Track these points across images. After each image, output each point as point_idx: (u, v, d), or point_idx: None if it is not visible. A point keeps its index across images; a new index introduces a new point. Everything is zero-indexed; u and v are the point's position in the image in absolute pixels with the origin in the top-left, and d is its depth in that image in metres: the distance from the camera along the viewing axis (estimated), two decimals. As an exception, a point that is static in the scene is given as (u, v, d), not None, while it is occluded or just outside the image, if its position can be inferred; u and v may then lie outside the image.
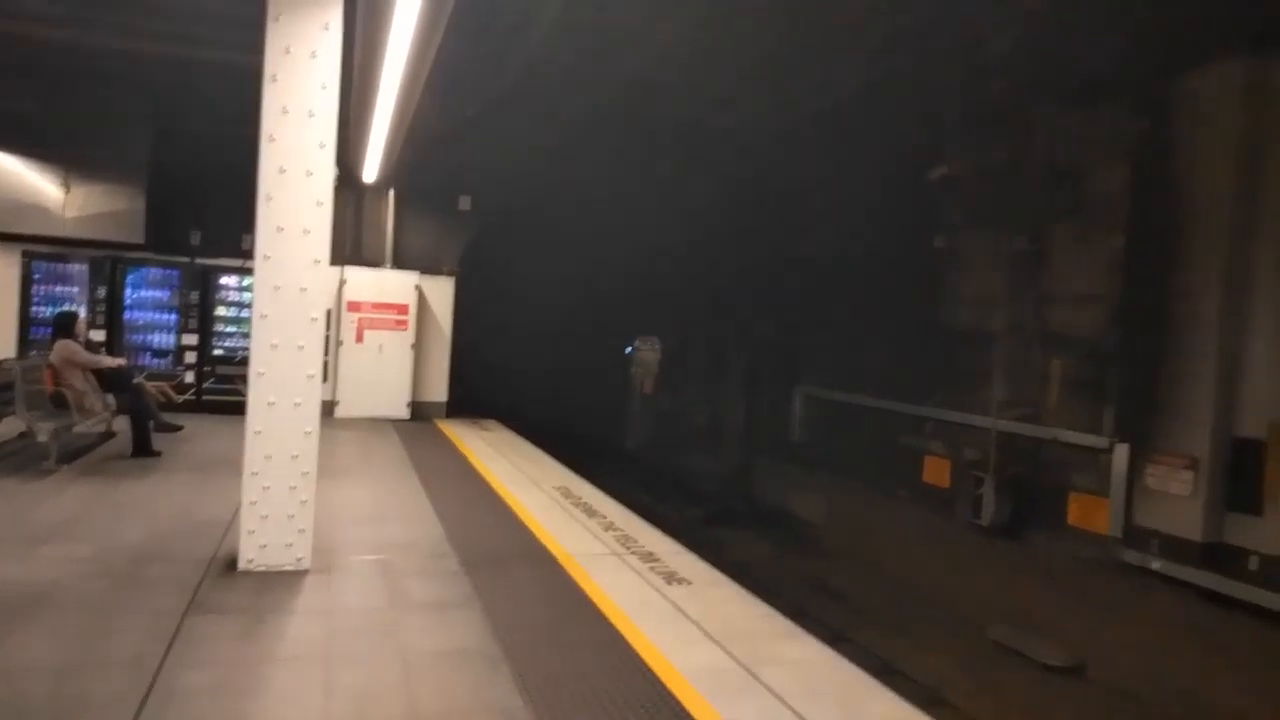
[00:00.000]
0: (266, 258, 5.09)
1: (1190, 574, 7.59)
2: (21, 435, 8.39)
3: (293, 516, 5.19)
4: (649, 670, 4.04)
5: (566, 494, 8.01)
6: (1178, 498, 7.81)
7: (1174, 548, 7.81)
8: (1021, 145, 9.92)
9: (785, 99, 11.47)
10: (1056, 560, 8.90)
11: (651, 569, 5.66)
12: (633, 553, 6.04)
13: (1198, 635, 7.41)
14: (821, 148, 12.80)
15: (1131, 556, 8.08)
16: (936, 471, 10.78)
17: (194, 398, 11.92)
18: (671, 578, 5.49)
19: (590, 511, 7.31)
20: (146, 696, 3.52)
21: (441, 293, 13.32)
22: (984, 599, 9.11)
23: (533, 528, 6.64)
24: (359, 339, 12.60)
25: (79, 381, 8.41)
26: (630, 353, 20.20)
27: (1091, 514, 8.59)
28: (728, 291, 16.25)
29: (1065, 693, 7.76)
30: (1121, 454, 8.29)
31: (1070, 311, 9.30)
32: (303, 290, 5.14)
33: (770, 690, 3.88)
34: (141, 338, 11.95)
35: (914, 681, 7.83)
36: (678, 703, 3.72)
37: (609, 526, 6.80)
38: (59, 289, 11.63)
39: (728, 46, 9.86)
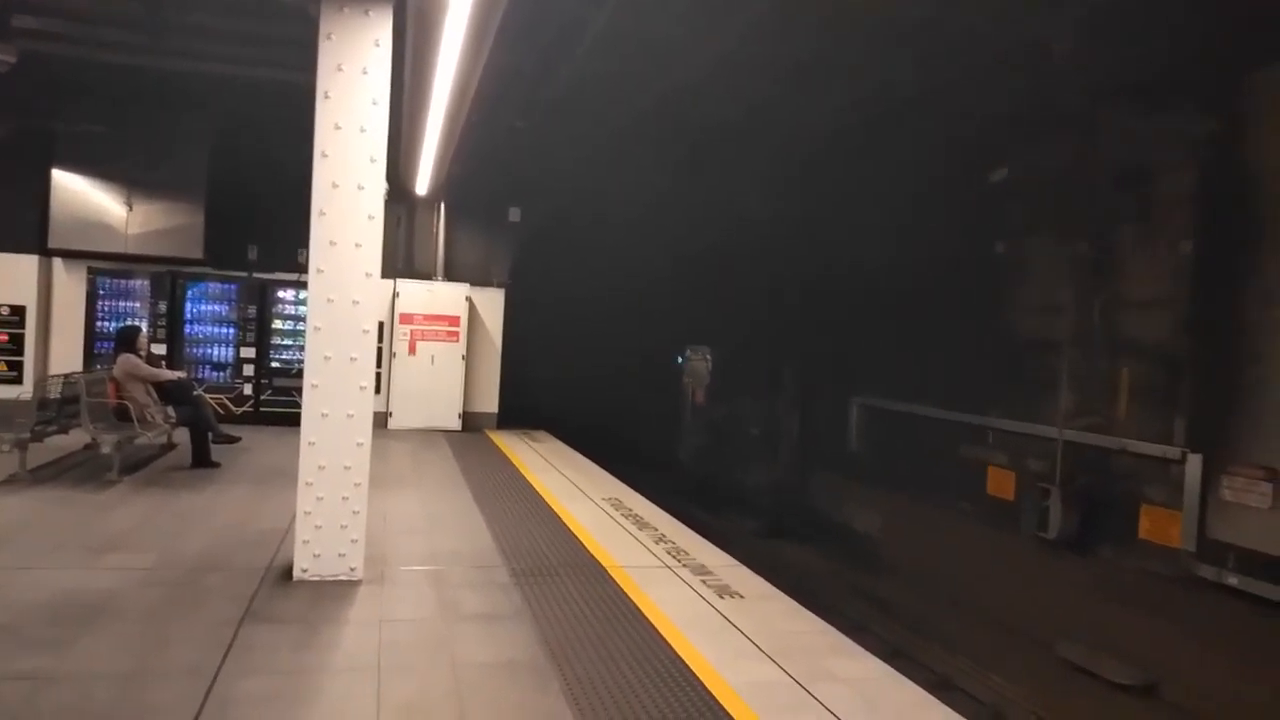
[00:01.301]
0: (320, 271, 5.16)
1: (1269, 590, 7.25)
2: (86, 447, 8.63)
3: (345, 527, 5.23)
4: (700, 684, 3.96)
5: (617, 505, 7.97)
6: (1256, 510, 7.46)
7: (1252, 562, 7.47)
8: (1085, 146, 9.64)
9: (838, 102, 11.34)
10: (1127, 575, 8.58)
11: (704, 582, 5.58)
12: (684, 565, 5.97)
13: (1277, 654, 7.06)
14: (876, 151, 12.61)
15: (1206, 571, 7.75)
16: (1000, 483, 10.48)
17: (252, 409, 12.17)
18: (724, 591, 5.40)
19: (641, 523, 7.25)
20: (203, 704, 3.56)
21: (492, 304, 13.43)
22: (1051, 615, 8.82)
23: (583, 539, 6.61)
24: (411, 351, 12.75)
25: (141, 394, 8.62)
26: (681, 363, 20.10)
27: (1164, 527, 8.27)
28: (781, 300, 16.08)
29: (1136, 713, 7.46)
30: (1195, 465, 7.96)
31: (1139, 318, 8.98)
32: (355, 303, 5.20)
33: (825, 706, 3.78)
34: (201, 351, 12.25)
35: (976, 700, 7.62)
36: (729, 717, 3.64)
37: (660, 539, 6.73)
38: (122, 304, 11.99)
39: (778, 50, 9.78)
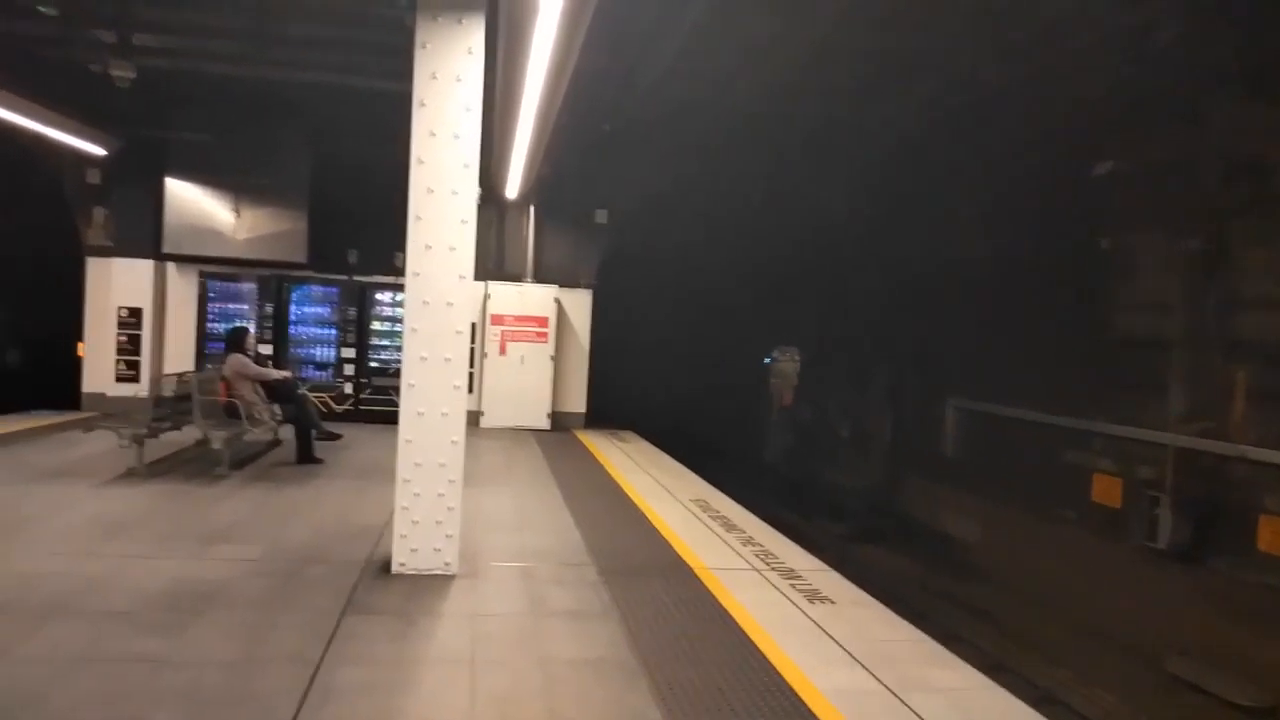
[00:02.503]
0: (416, 274, 5.30)
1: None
2: (198, 443, 9.06)
3: (441, 522, 5.36)
4: (789, 689, 3.92)
5: (704, 507, 7.94)
6: (1390, 523, 6.96)
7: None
8: (1197, 137, 9.14)
9: (930, 93, 11.04)
10: (1245, 588, 8.10)
11: (793, 586, 5.52)
12: (773, 569, 5.91)
13: None
14: (976, 145, 12.22)
15: (1334, 587, 7.26)
16: (1107, 490, 10.02)
17: (353, 407, 12.59)
18: (814, 596, 5.33)
19: (729, 525, 7.21)
20: (306, 691, 3.69)
21: (580, 305, 13.57)
22: (1161, 629, 8.40)
23: (670, 540, 6.61)
24: (502, 351, 12.98)
25: (249, 393, 9.01)
26: (769, 363, 19.92)
27: (1286, 539, 7.78)
28: (872, 299, 15.76)
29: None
30: (1321, 473, 7.47)
31: (1257, 316, 8.48)
32: (449, 305, 5.32)
33: (919, 716, 3.69)
34: (305, 351, 12.74)
35: (1079, 715, 7.32)
36: (821, 725, 3.59)
37: (748, 541, 6.68)
38: (231, 306, 12.59)
39: (864, 44, 9.59)
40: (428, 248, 5.28)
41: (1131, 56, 9.14)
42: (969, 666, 4.37)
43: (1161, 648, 8.13)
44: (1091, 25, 8.79)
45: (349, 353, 12.73)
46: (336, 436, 10.18)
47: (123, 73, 9.07)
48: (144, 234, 12.21)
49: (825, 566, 6.08)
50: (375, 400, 12.59)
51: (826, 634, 4.66)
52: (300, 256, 12.19)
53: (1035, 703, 4.52)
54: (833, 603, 5.22)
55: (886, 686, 4.00)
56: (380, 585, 5.18)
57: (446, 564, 5.39)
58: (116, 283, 12.35)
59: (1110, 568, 9.53)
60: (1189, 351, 9.10)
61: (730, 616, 4.87)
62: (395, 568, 5.35)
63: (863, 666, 4.23)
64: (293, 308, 12.70)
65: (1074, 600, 9.52)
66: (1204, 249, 8.98)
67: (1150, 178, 9.85)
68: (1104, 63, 9.46)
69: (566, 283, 13.47)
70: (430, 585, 5.20)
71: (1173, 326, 9.30)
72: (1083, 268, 10.80)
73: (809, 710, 3.71)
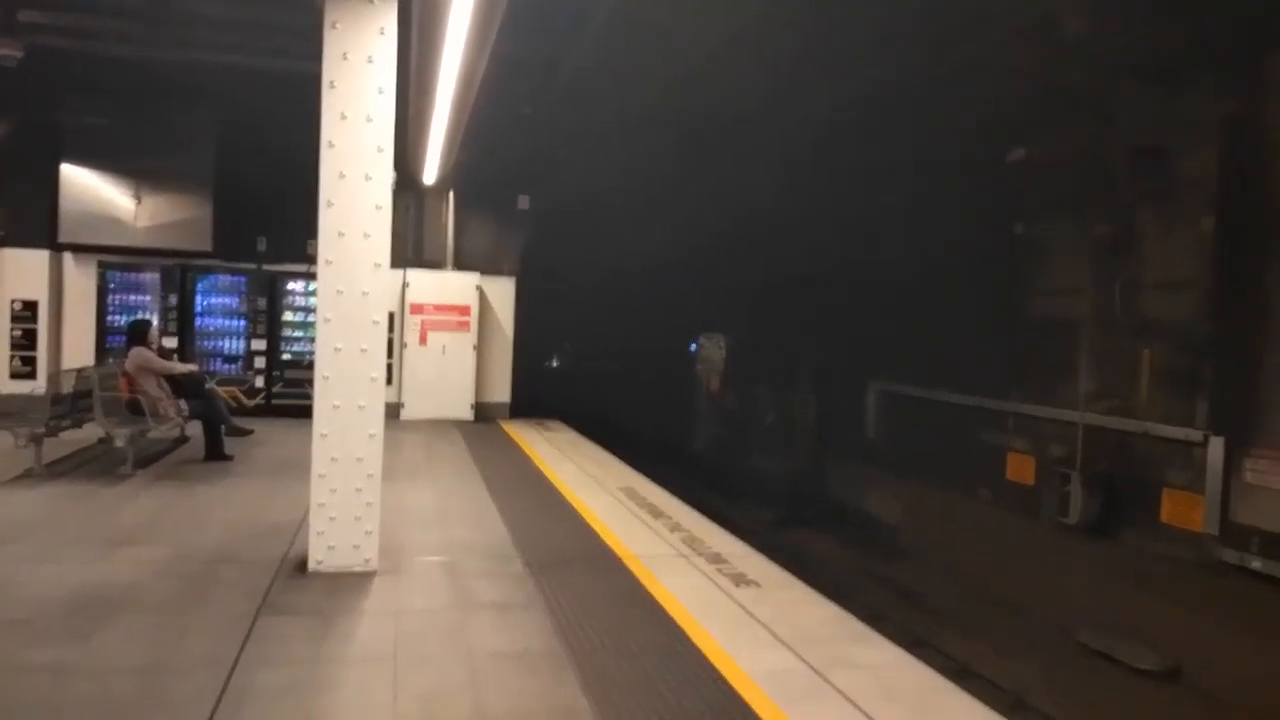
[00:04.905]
0: (328, 262, 5.12)
1: (1293, 573, 7.16)
2: (100, 441, 8.63)
3: (359, 519, 5.22)
4: (716, 673, 3.93)
5: (631, 495, 7.93)
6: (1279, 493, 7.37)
7: (1276, 545, 7.37)
8: (1104, 126, 9.49)
9: (850, 86, 11.21)
10: (1149, 559, 8.50)
11: (719, 571, 5.54)
12: (700, 554, 5.93)
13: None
14: (890, 135, 12.47)
15: (1230, 555, 7.65)
16: (1020, 468, 10.39)
17: (264, 402, 12.19)
18: (740, 580, 5.36)
19: (656, 512, 7.22)
20: (221, 695, 3.55)
21: (502, 293, 13.39)
22: (1071, 600, 8.75)
23: (597, 529, 6.58)
24: (422, 341, 12.73)
25: (153, 388, 8.62)
26: (694, 350, 20.04)
27: (1186, 511, 8.17)
28: (795, 286, 15.98)
29: (1158, 698, 7.39)
30: (1217, 448, 7.86)
31: (1160, 299, 8.86)
32: (364, 294, 5.16)
33: (842, 694, 3.75)
34: (212, 344, 12.28)
35: (995, 686, 7.56)
36: (746, 706, 3.61)
37: (675, 528, 6.70)
38: (132, 298, 12.03)
39: (789, 33, 9.67)
40: (340, 235, 5.11)
41: (1043, 48, 9.41)
42: (890, 643, 4.46)
43: (1072, 618, 8.47)
44: (1002, 17, 9.01)
45: (259, 345, 12.30)
46: (247, 432, 9.83)
47: (9, 51, 8.56)
48: (38, 223, 11.61)
49: (751, 550, 6.13)
50: (288, 394, 12.18)
51: (752, 617, 4.69)
52: (205, 245, 11.76)
53: (954, 676, 4.65)
54: (759, 585, 5.27)
55: (811, 666, 4.04)
56: (297, 584, 5.02)
57: (366, 560, 5.25)
58: (9, 274, 11.71)
59: (1024, 543, 9.88)
60: (1097, 333, 9.47)
61: (658, 603, 4.87)
62: (312, 566, 5.19)
63: (787, 647, 4.27)
64: (198, 298, 12.20)
65: (990, 575, 9.85)
66: (1111, 235, 9.35)
67: (1061, 166, 10.21)
68: (1016, 54, 9.72)
69: (488, 270, 13.28)
70: (349, 583, 5.05)
71: (1083, 309, 9.66)
72: (998, 253, 11.15)
73: (736, 693, 3.73)
